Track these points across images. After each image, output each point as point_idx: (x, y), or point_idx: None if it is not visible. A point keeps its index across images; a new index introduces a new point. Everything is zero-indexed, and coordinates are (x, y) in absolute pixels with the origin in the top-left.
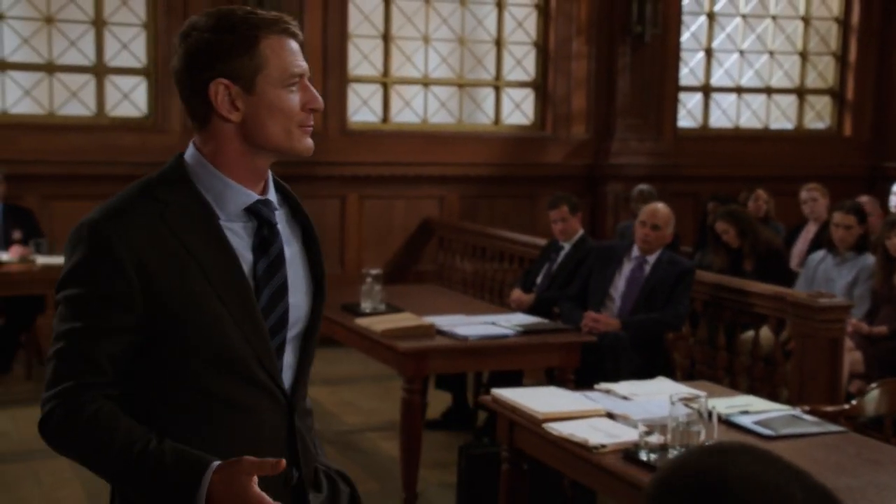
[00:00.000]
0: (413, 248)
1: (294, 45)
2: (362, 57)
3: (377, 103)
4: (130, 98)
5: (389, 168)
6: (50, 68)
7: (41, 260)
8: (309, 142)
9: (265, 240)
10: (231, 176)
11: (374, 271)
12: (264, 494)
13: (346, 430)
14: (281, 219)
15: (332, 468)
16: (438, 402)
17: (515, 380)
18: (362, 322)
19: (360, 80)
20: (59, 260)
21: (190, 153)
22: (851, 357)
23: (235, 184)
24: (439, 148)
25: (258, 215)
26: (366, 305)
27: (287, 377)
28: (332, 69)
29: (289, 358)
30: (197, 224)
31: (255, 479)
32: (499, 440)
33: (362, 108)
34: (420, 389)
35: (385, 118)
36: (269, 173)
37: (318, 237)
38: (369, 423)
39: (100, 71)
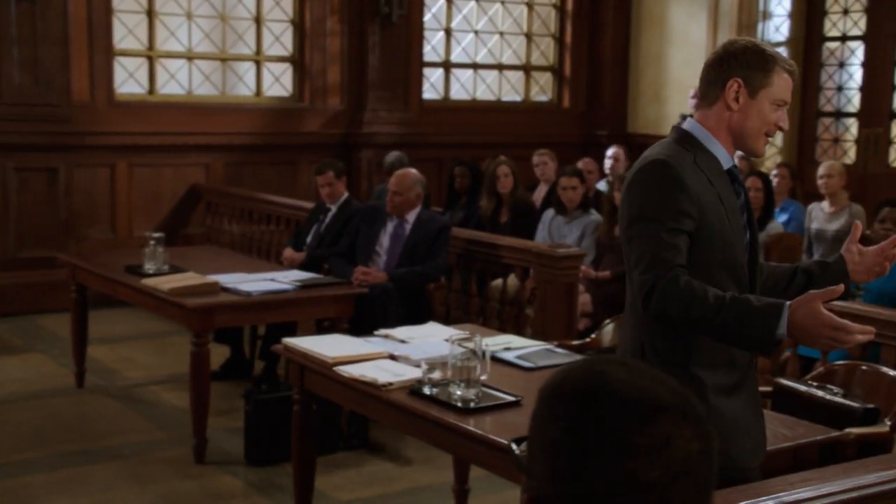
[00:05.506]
0: (181, 212)
1: (791, 82)
2: (127, 31)
3: (143, 76)
4: None
5: (157, 137)
6: None
7: None
8: (765, 148)
9: (736, 193)
10: (721, 145)
11: (156, 234)
12: (832, 314)
13: (129, 385)
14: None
15: None
16: (216, 355)
17: (290, 331)
18: (149, 282)
19: (125, 53)
20: None
21: (691, 125)
22: (581, 299)
23: (723, 149)
24: (204, 118)
25: (731, 175)
26: (149, 266)
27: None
28: (97, 42)
29: None
30: (714, 170)
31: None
32: (291, 384)
33: (129, 80)
34: (207, 343)
35: (151, 90)
36: None
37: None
38: (150, 376)
39: None
